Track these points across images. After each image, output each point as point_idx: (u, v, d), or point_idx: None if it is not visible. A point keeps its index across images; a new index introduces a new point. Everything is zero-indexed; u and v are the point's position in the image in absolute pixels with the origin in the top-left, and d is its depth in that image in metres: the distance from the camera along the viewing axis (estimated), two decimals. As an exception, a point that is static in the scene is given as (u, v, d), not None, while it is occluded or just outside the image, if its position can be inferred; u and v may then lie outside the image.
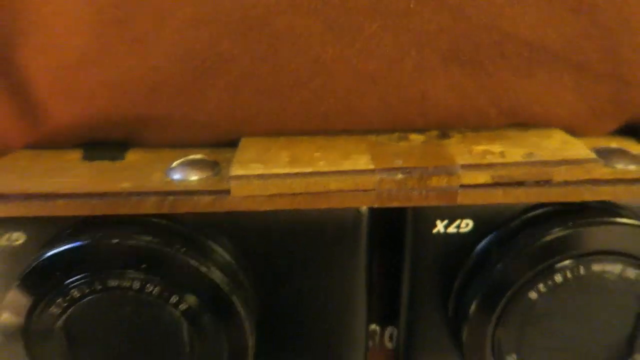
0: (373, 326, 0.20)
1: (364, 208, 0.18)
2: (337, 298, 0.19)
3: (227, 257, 0.17)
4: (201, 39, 0.17)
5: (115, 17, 0.16)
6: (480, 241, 0.18)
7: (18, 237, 0.17)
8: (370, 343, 0.21)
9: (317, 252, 0.18)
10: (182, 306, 0.16)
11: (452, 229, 0.18)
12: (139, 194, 0.16)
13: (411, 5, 0.17)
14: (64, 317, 0.16)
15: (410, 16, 0.17)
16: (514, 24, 0.17)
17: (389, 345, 0.21)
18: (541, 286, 0.17)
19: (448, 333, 0.19)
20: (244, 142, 0.18)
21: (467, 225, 0.18)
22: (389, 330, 0.20)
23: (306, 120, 0.18)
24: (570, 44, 0.17)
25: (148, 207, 0.16)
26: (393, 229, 0.19)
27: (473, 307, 0.18)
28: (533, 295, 0.17)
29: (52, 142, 0.18)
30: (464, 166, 0.17)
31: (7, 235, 0.17)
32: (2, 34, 0.16)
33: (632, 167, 0.17)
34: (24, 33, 0.16)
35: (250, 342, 0.18)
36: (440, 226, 0.18)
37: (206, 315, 0.16)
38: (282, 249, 0.18)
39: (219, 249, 0.17)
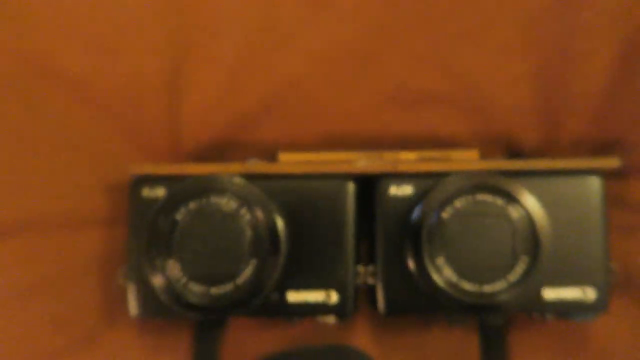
0: (360, 267, 0.32)
1: (351, 182, 0.31)
2: (334, 240, 0.31)
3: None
4: None
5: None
6: (417, 201, 0.31)
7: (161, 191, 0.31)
8: (358, 280, 0.32)
9: (325, 210, 0.31)
10: (246, 216, 0.29)
11: (400, 192, 0.31)
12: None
13: None
14: (180, 220, 0.29)
15: None
16: None
17: (370, 281, 0.32)
18: (450, 208, 0.29)
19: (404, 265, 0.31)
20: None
21: (409, 190, 0.31)
22: (370, 268, 0.32)
23: None
24: None
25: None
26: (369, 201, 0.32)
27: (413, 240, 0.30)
28: (444, 217, 0.29)
29: None
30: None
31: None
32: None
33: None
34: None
35: (282, 263, 0.30)
36: (393, 189, 0.31)
37: (261, 226, 0.29)
38: (303, 207, 0.31)
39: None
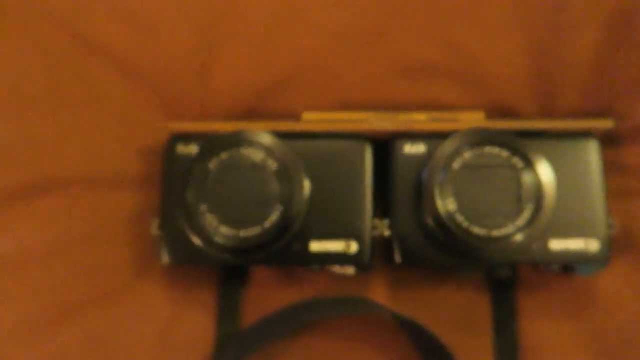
0: (376, 220, 0.34)
1: (368, 142, 0.34)
2: (353, 195, 0.34)
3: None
4: None
5: None
6: (429, 157, 0.34)
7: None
8: (375, 232, 0.34)
9: (344, 167, 0.34)
10: (273, 165, 0.32)
11: (413, 149, 0.34)
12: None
13: None
14: (212, 169, 0.32)
15: None
16: None
17: (386, 233, 0.34)
18: (459, 160, 0.32)
19: (418, 218, 0.33)
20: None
21: (421, 148, 0.34)
22: (385, 221, 0.34)
23: None
24: None
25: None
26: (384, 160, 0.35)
27: (427, 189, 0.32)
28: (454, 168, 0.32)
29: None
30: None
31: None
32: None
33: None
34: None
35: (305, 210, 0.32)
36: (406, 148, 0.34)
37: (286, 175, 0.32)
38: (324, 163, 0.34)
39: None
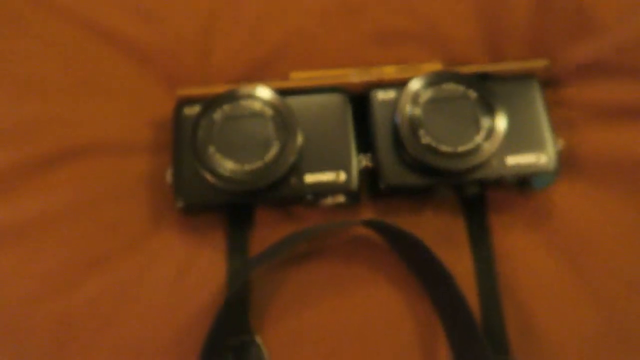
0: (360, 155, 0.40)
1: (346, 95, 0.41)
2: (338, 136, 0.40)
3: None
4: None
5: None
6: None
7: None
8: (361, 164, 0.39)
9: (329, 114, 0.40)
10: (268, 111, 0.38)
11: (386, 97, 0.40)
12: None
13: None
14: (217, 119, 0.38)
15: None
16: None
17: (369, 164, 0.39)
18: (423, 95, 0.38)
19: (396, 150, 0.39)
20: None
21: (392, 94, 0.40)
22: (368, 155, 0.40)
23: None
24: None
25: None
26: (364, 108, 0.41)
27: (399, 120, 0.38)
28: (420, 102, 0.38)
29: None
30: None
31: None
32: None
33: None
34: None
35: (299, 145, 0.38)
36: (381, 95, 0.40)
37: (281, 119, 0.38)
38: (313, 112, 0.40)
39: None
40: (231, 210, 0.41)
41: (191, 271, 0.39)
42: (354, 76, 0.41)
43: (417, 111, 0.38)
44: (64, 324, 0.38)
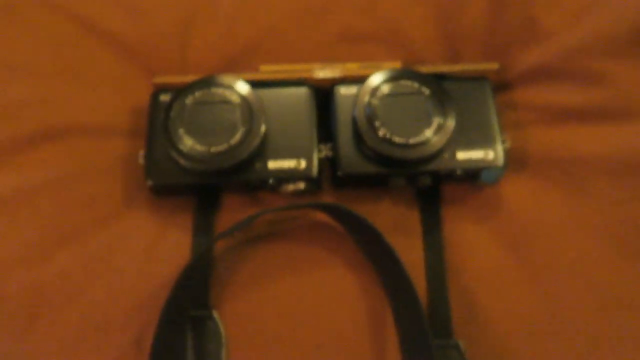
0: (321, 145, 0.43)
1: (311, 87, 0.44)
2: (301, 126, 0.42)
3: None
4: None
5: None
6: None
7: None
8: (321, 154, 0.42)
9: (293, 105, 0.43)
10: (236, 99, 0.41)
11: (348, 92, 0.43)
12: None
13: None
14: (189, 104, 0.41)
15: None
16: None
17: (329, 154, 0.42)
18: (381, 90, 0.41)
19: (354, 142, 0.42)
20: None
21: (354, 90, 0.43)
22: (328, 145, 0.43)
23: None
24: None
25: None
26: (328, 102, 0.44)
27: (358, 113, 0.41)
28: (377, 96, 0.41)
29: None
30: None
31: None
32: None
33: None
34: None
35: (263, 131, 0.40)
36: (343, 91, 0.43)
37: (246, 106, 0.41)
38: (278, 102, 0.43)
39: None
40: (199, 193, 0.43)
41: (158, 249, 0.42)
42: (320, 71, 0.44)
43: (375, 104, 0.41)
44: (35, 293, 0.40)
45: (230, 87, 0.42)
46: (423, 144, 0.40)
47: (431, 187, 0.43)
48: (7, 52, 0.45)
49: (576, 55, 0.44)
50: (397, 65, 0.45)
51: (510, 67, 0.47)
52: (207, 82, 0.42)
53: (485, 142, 0.42)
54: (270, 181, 0.42)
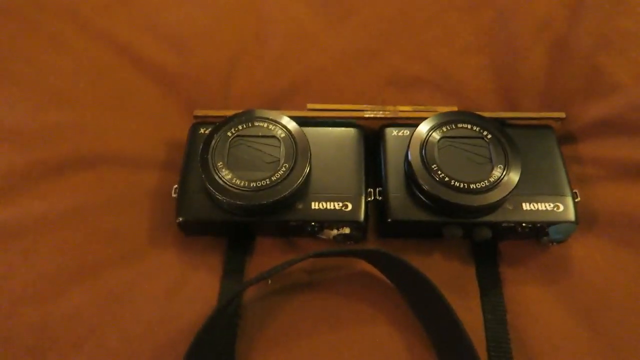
0: (370, 189, 0.39)
1: (361, 129, 0.41)
2: (349, 168, 0.39)
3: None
4: None
5: None
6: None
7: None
8: (369, 198, 0.38)
9: (342, 146, 0.40)
10: (281, 134, 0.38)
11: (400, 134, 0.40)
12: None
13: None
14: (230, 137, 0.38)
15: None
16: None
17: (378, 198, 0.38)
18: (438, 132, 0.38)
19: (406, 186, 0.38)
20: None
21: (406, 132, 0.40)
22: (378, 190, 0.39)
23: None
24: None
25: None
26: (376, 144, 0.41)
27: (413, 154, 0.38)
28: (435, 138, 0.38)
29: None
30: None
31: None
32: None
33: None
34: None
35: (308, 169, 0.37)
36: (394, 132, 0.40)
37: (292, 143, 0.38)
38: (327, 143, 0.40)
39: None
40: (231, 234, 0.40)
41: (183, 290, 0.38)
42: (369, 112, 0.42)
43: (432, 146, 0.38)
44: (42, 334, 0.36)
45: (275, 122, 0.39)
46: (485, 190, 0.36)
47: (489, 241, 0.39)
48: (49, 77, 0.44)
49: (646, 110, 0.41)
50: (454, 109, 0.42)
51: (574, 118, 0.43)
52: (250, 115, 0.39)
53: (553, 194, 0.38)
54: (312, 224, 0.38)
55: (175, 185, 0.39)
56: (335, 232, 0.38)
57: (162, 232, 0.40)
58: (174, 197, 0.39)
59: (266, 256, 0.39)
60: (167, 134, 0.44)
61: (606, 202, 0.40)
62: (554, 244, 0.39)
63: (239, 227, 0.39)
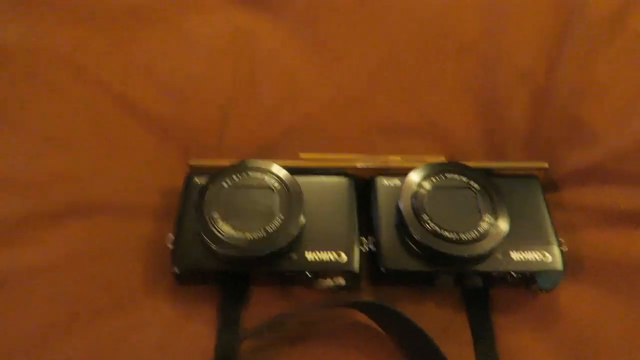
0: (362, 238, 0.40)
1: (352, 178, 0.42)
2: (342, 217, 0.40)
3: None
4: None
5: None
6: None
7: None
8: (362, 248, 0.39)
9: (334, 196, 0.41)
10: (275, 184, 0.39)
11: (390, 183, 0.41)
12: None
13: None
14: (225, 187, 0.38)
15: None
16: None
17: (372, 247, 0.39)
18: (428, 183, 0.39)
19: (398, 235, 0.39)
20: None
21: (396, 182, 0.41)
22: (370, 239, 0.39)
23: None
24: None
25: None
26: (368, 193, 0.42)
27: (404, 205, 0.39)
28: (425, 188, 0.39)
29: None
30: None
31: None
32: None
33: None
34: None
35: (302, 220, 0.38)
36: (385, 182, 0.41)
37: (286, 194, 0.38)
38: (319, 193, 0.41)
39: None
40: (226, 284, 0.40)
41: (177, 341, 0.37)
42: (361, 161, 0.43)
43: (422, 196, 0.39)
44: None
45: (270, 172, 0.40)
46: (475, 240, 0.37)
47: (480, 288, 0.39)
48: (45, 124, 0.44)
49: (627, 157, 0.43)
50: (442, 159, 0.44)
51: (557, 167, 0.45)
52: (245, 166, 0.40)
53: (540, 243, 0.39)
54: (307, 274, 0.38)
55: (171, 234, 0.39)
56: (329, 281, 0.39)
57: (156, 281, 0.40)
58: (169, 247, 0.39)
59: (261, 305, 0.39)
60: (161, 181, 0.44)
61: (591, 249, 0.41)
62: (543, 291, 0.40)
63: (234, 276, 0.39)
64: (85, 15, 0.50)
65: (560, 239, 0.40)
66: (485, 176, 0.40)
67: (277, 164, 0.41)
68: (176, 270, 0.38)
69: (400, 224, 0.39)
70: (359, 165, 0.42)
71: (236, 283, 0.40)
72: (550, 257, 0.39)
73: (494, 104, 0.48)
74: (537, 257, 0.39)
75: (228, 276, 0.39)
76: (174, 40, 0.50)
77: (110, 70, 0.48)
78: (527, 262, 0.39)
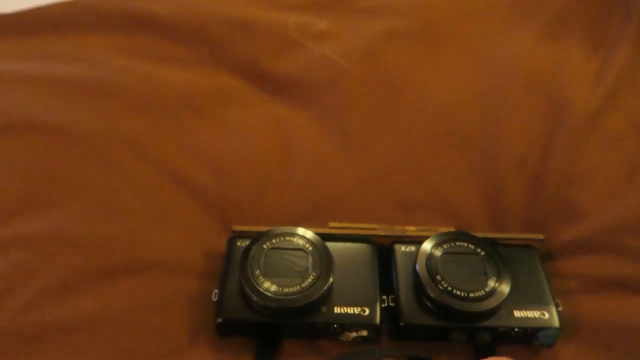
0: (383, 296, 0.45)
1: (374, 245, 0.48)
2: (365, 277, 0.46)
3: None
4: None
5: None
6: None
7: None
8: (383, 304, 0.44)
9: (358, 259, 0.47)
10: (309, 247, 0.45)
11: (407, 249, 0.47)
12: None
13: None
14: (266, 249, 0.45)
15: None
16: None
17: (391, 304, 0.44)
18: (440, 249, 0.45)
19: (414, 294, 0.44)
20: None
21: (412, 248, 0.47)
22: (390, 297, 0.45)
23: None
24: None
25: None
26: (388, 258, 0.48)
27: (420, 267, 0.45)
28: (438, 253, 0.45)
29: None
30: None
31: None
32: None
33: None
34: None
35: (332, 277, 0.44)
36: (403, 248, 0.48)
37: (318, 255, 0.45)
38: (346, 257, 0.47)
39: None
40: (262, 335, 0.45)
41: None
42: (382, 231, 0.49)
43: (436, 260, 0.45)
44: None
45: (304, 237, 0.46)
46: (482, 298, 0.43)
47: (489, 344, 0.44)
48: (107, 195, 0.52)
49: (613, 232, 0.49)
50: (452, 229, 0.50)
51: (552, 239, 0.51)
52: (282, 231, 0.47)
53: (539, 303, 0.45)
54: (334, 327, 0.43)
55: (215, 290, 0.45)
56: (354, 334, 0.44)
57: (200, 332, 0.45)
58: (214, 301, 0.44)
59: (292, 356, 0.44)
60: (205, 245, 0.51)
61: (587, 312, 0.46)
62: (544, 347, 0.45)
63: (270, 328, 0.44)
64: (142, 106, 0.59)
65: (557, 301, 0.45)
66: (490, 244, 0.47)
67: (310, 230, 0.47)
68: (220, 320, 0.43)
69: (417, 284, 0.45)
70: (380, 233, 0.49)
71: (270, 335, 0.45)
72: (548, 315, 0.44)
73: (495, 186, 0.56)
74: (537, 315, 0.44)
75: (264, 327, 0.44)
76: (219, 128, 0.59)
77: (165, 153, 0.56)
78: (528, 319, 0.44)
